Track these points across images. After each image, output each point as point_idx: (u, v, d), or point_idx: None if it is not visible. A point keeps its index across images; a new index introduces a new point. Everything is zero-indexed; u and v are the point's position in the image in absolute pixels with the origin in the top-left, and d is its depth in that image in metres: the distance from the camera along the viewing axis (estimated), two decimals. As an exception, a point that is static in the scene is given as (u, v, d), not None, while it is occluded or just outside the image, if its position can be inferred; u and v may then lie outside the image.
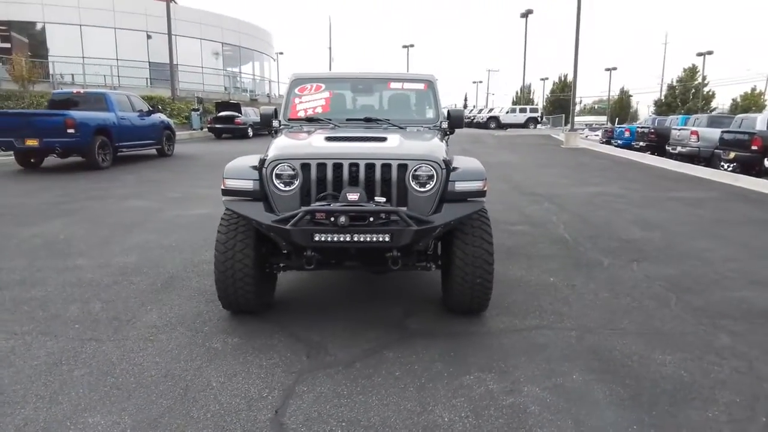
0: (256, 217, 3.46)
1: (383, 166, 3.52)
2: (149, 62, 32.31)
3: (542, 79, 75.90)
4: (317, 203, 3.41)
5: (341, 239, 3.30)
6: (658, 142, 18.95)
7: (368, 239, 3.31)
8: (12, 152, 12.23)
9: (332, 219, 3.28)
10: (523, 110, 39.72)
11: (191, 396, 2.86)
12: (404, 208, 3.47)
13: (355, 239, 3.31)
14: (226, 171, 3.69)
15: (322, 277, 4.81)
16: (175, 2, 38.07)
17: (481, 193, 3.67)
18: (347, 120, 4.64)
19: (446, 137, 4.61)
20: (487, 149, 19.71)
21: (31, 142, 11.37)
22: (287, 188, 3.54)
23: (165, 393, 2.89)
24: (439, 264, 3.99)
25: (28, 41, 29.87)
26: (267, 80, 40.82)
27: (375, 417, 2.68)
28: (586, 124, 61.20)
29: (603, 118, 70.04)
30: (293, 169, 3.53)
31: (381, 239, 3.32)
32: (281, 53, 60.24)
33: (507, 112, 39.84)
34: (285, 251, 3.85)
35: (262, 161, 3.61)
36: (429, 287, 4.51)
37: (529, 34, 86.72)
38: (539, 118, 39.99)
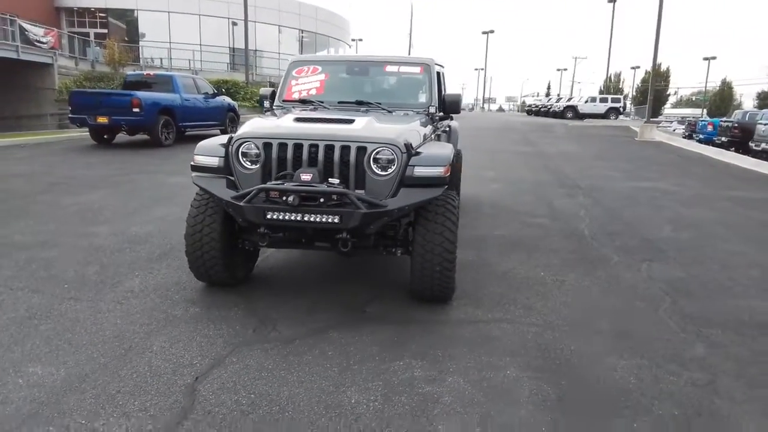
0: (217, 193, 3.59)
1: (342, 148, 3.52)
2: (230, 48, 33.77)
3: (633, 68, 71.32)
4: (274, 182, 3.48)
5: (292, 218, 3.36)
6: (741, 138, 17.34)
7: (318, 219, 3.34)
8: (87, 128, 13.31)
9: (284, 198, 3.34)
10: (603, 100, 37.55)
11: (129, 357, 3.05)
12: (360, 191, 3.48)
13: (306, 219, 3.35)
14: (197, 148, 3.84)
15: (307, 256, 4.89)
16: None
17: (442, 179, 3.57)
18: (339, 102, 4.66)
19: (437, 122, 4.50)
20: (551, 139, 18.92)
21: (102, 120, 12.32)
22: (251, 166, 3.64)
23: (107, 352, 3.09)
24: (410, 250, 3.94)
25: (124, 27, 32.18)
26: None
27: (285, 393, 2.73)
28: (682, 117, 56.99)
29: (699, 111, 64.90)
30: (257, 148, 3.61)
31: (330, 220, 3.34)
32: (360, 40, 60.80)
33: (585, 102, 37.86)
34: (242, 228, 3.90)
35: (230, 139, 3.72)
36: (402, 273, 4.46)
37: (620, 19, 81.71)
38: (621, 109, 37.69)
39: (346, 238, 3.47)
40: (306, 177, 3.40)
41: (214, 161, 3.71)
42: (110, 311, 3.65)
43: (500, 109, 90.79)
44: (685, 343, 3.40)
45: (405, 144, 3.53)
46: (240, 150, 3.64)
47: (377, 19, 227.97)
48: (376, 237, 3.81)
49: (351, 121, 3.80)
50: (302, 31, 36.91)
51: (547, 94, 77.47)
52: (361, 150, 3.51)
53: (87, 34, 30.30)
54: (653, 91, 24.99)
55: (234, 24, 33.24)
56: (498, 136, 19.82)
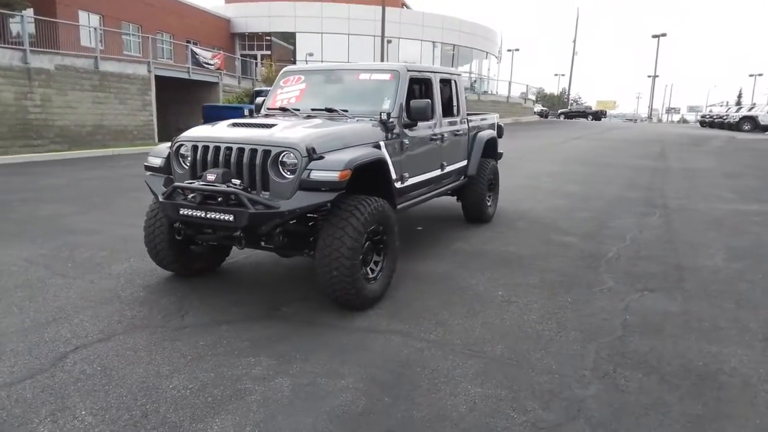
0: (154, 190, 4.03)
1: (251, 151, 3.72)
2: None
3: None
4: (188, 181, 3.81)
5: (197, 215, 3.66)
6: None
7: (217, 217, 3.59)
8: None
9: (189, 196, 3.66)
10: (796, 110, 31.64)
11: (53, 323, 3.58)
12: (266, 193, 3.65)
13: (207, 216, 3.63)
14: (151, 150, 4.33)
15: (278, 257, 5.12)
16: (406, 7, 40.98)
17: (336, 184, 3.57)
18: (312, 110, 4.85)
19: (392, 129, 4.44)
20: (691, 154, 16.64)
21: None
22: (184, 167, 4.02)
23: (40, 317, 3.67)
24: None
25: (284, 48, 35.78)
26: (486, 78, 40.95)
27: (125, 370, 3.01)
28: None
29: None
30: (188, 150, 3.98)
31: (226, 219, 3.57)
32: (517, 50, 59.35)
33: (770, 112, 32.31)
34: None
35: (172, 142, 4.15)
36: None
37: None
38: (822, 121, 31.33)
39: (240, 237, 3.66)
40: (211, 177, 3.67)
41: (157, 161, 4.16)
42: (78, 287, 4.30)
43: (682, 120, 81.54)
44: (571, 385, 2.95)
45: (307, 148, 3.61)
46: (178, 152, 4.04)
47: (541, 27, 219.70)
48: (289, 237, 3.94)
49: (271, 126, 3.98)
50: (443, 44, 37.31)
51: (738, 103, 67.68)
52: (267, 153, 3.68)
53: (255, 56, 34.31)
54: None
55: (389, 41, 34.99)
56: (630, 149, 18.02)
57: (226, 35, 35.06)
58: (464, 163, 6.22)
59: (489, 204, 6.84)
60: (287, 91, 5.17)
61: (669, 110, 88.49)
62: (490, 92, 38.92)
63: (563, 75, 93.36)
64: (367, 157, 3.86)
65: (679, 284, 4.60)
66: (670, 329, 3.67)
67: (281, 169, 3.68)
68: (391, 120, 4.43)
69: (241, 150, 3.75)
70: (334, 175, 3.57)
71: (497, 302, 4.11)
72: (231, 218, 3.54)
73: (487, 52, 41.57)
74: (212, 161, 3.84)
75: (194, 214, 3.66)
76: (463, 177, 6.28)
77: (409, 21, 34.82)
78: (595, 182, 10.47)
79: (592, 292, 4.38)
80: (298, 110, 4.90)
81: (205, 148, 3.88)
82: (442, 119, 5.48)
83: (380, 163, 4.08)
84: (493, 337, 3.51)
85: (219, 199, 3.60)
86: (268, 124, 4.05)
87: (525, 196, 8.73)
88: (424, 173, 5.13)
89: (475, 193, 6.45)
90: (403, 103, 4.67)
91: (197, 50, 24.62)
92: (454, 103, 5.97)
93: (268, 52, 34.87)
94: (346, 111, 4.64)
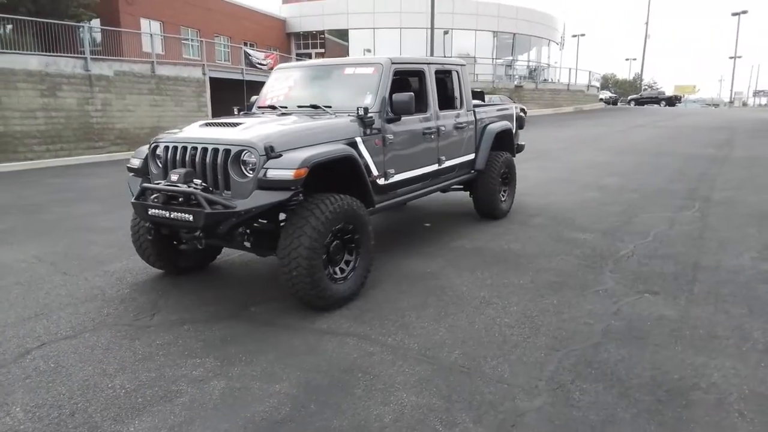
0: (133, 191, 4.11)
1: (213, 151, 3.72)
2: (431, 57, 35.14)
3: None
4: (155, 182, 3.86)
5: (161, 215, 3.70)
6: None
7: (178, 217, 3.62)
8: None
9: (152, 196, 3.72)
10: None
11: (23, 317, 3.74)
12: (228, 192, 3.64)
13: (171, 216, 3.66)
14: (135, 152, 4.43)
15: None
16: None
17: (291, 182, 3.48)
18: (298, 107, 4.80)
19: (371, 124, 4.29)
20: (759, 142, 15.26)
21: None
22: (159, 167, 4.08)
23: (26, 312, 3.85)
24: None
25: (338, 45, 36.08)
26: (546, 66, 39.43)
27: (73, 368, 3.07)
28: None
29: None
30: (161, 151, 4.04)
31: (186, 218, 3.58)
32: (583, 35, 56.78)
33: None
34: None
35: (150, 143, 4.22)
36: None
37: None
38: None
39: (199, 237, 3.66)
40: (174, 177, 3.70)
41: (136, 162, 4.25)
42: (71, 284, 4.47)
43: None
44: (517, 396, 2.72)
45: (265, 146, 3.55)
46: (155, 152, 4.11)
47: (611, 9, 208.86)
48: (261, 236, 3.90)
49: (237, 125, 3.95)
50: (498, 33, 36.26)
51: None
52: (227, 152, 3.66)
53: (309, 55, 34.87)
54: None
55: (445, 33, 34.51)
56: (695, 136, 16.77)
57: (282, 36, 35.84)
58: (471, 156, 5.96)
59: (503, 199, 6.53)
60: (277, 88, 5.14)
61: (756, 93, 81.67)
62: (550, 80, 37.52)
63: (635, 59, 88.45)
64: (330, 154, 3.75)
65: (689, 286, 4.17)
66: (655, 337, 3.32)
67: (243, 169, 3.64)
68: (369, 115, 4.29)
69: (204, 150, 3.75)
70: (288, 174, 3.49)
71: (474, 304, 3.89)
72: (191, 218, 3.55)
73: (549, 40, 40.04)
74: (180, 161, 3.87)
75: (159, 213, 3.71)
76: (471, 171, 6.02)
77: (463, 11, 34.10)
78: (639, 173, 9.79)
79: (584, 294, 4.05)
80: (286, 107, 4.86)
81: (174, 149, 3.91)
82: (438, 112, 5.26)
83: (349, 160, 3.95)
84: (454, 341, 3.31)
85: (180, 199, 3.62)
86: (235, 123, 4.02)
87: (556, 189, 8.30)
88: (416, 169, 4.95)
89: (486, 187, 6.17)
90: (386, 97, 4.51)
91: (250, 51, 25.32)
92: (457, 95, 5.73)
93: (322, 50, 35.32)
94: (330, 107, 4.54)
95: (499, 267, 4.70)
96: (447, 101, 5.62)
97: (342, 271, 3.93)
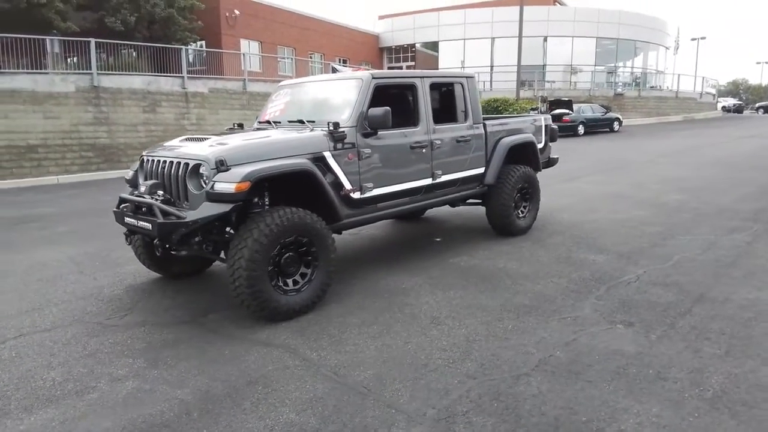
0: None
1: (176, 164, 3.97)
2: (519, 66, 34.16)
3: None
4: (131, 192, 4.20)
5: (132, 222, 4.01)
6: None
7: (142, 225, 3.90)
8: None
9: (121, 206, 4.06)
10: None
11: (24, 309, 4.21)
12: (181, 205, 3.87)
13: (138, 224, 3.96)
14: (131, 165, 4.81)
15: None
16: (560, 4, 38.64)
17: (233, 196, 3.61)
18: (288, 122, 4.96)
19: (342, 138, 4.31)
20: None
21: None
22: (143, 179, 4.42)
23: (31, 299, 4.33)
24: None
25: (429, 57, 36.27)
26: (654, 72, 36.62)
27: (26, 359, 3.42)
28: None
29: None
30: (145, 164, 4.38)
31: (147, 227, 3.85)
32: (703, 38, 52.27)
33: None
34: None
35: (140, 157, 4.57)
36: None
37: None
38: None
39: (156, 245, 3.90)
40: (142, 189, 3.99)
41: (129, 174, 4.61)
42: (80, 283, 4.95)
43: None
44: (397, 424, 2.59)
45: (216, 160, 3.72)
46: (142, 165, 4.46)
47: (741, 11, 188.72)
48: (220, 246, 4.08)
49: (204, 140, 4.16)
50: (599, 38, 34.34)
51: None
52: (186, 166, 3.88)
53: (400, 68, 35.42)
54: None
55: (544, 40, 33.49)
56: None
57: (375, 50, 36.76)
58: (480, 170, 5.75)
59: (522, 215, 6.22)
60: (276, 104, 5.34)
61: None
62: (658, 87, 34.89)
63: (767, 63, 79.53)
64: (278, 168, 3.83)
65: (674, 319, 3.71)
66: (593, 373, 3.00)
67: (201, 182, 3.84)
68: (340, 130, 4.32)
69: (170, 163, 4.02)
70: (230, 187, 3.62)
71: (423, 324, 3.76)
72: (149, 227, 3.81)
73: (658, 45, 37.25)
74: (152, 173, 4.17)
75: (130, 222, 4.02)
76: (479, 185, 5.81)
77: (559, 18, 32.83)
78: (711, 190, 8.82)
79: (548, 320, 3.75)
80: (279, 122, 5.03)
81: (150, 162, 4.23)
82: (433, 126, 5.15)
83: (306, 174, 4.01)
84: (375, 361, 3.23)
85: (143, 209, 3.90)
86: (204, 138, 4.25)
87: (602, 206, 7.72)
88: (401, 183, 4.88)
89: (497, 202, 5.91)
90: (364, 112, 4.51)
91: (337, 66, 26.19)
92: (461, 108, 5.56)
93: (412, 63, 35.70)
94: (313, 121, 4.63)
95: (478, 287, 4.49)
96: (447, 114, 5.49)
97: (296, 283, 3.98)
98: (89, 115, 15.41)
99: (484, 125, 5.78)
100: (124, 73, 16.66)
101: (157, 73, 17.48)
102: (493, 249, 5.65)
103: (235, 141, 4.10)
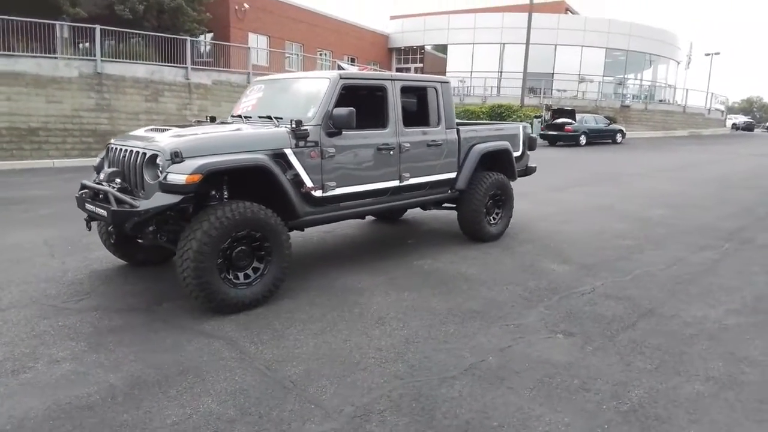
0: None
1: (136, 153, 4.04)
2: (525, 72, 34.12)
3: None
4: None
5: (91, 209, 4.10)
6: None
7: (99, 212, 3.98)
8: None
9: (81, 192, 4.15)
10: None
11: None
12: (138, 194, 3.94)
13: (96, 211, 4.04)
14: (99, 153, 4.89)
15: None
16: (571, 12, 38.52)
17: (184, 187, 3.67)
18: (258, 117, 5.02)
19: (304, 136, 4.36)
20: None
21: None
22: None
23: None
24: None
25: (437, 59, 36.30)
26: (664, 85, 36.42)
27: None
28: None
29: None
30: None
31: (102, 213, 3.93)
32: (717, 53, 51.92)
33: None
34: None
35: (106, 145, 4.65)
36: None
37: None
38: None
39: (110, 232, 3.97)
40: (101, 176, 4.07)
41: (97, 161, 4.69)
42: (48, 266, 5.03)
43: None
44: (312, 419, 2.65)
45: (171, 152, 3.79)
46: (108, 153, 4.53)
47: (757, 27, 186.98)
48: (171, 235, 4.14)
49: (165, 131, 4.23)
50: (608, 49, 34.21)
51: None
52: (143, 155, 3.95)
53: (408, 69, 35.46)
54: None
55: (554, 48, 33.42)
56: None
57: (384, 51, 36.82)
58: (451, 175, 5.78)
59: (494, 222, 6.25)
60: (249, 99, 5.41)
61: None
62: (666, 101, 34.72)
63: (785, 81, 78.83)
64: (232, 162, 3.89)
65: (616, 332, 3.74)
66: (518, 380, 3.04)
67: (158, 172, 3.91)
68: (303, 127, 4.37)
69: (130, 152, 4.09)
70: (181, 178, 3.68)
71: (368, 324, 3.81)
72: (105, 213, 3.89)
73: (669, 58, 37.07)
74: (113, 161, 4.25)
75: (89, 208, 4.10)
76: (450, 190, 5.85)
77: (568, 26, 32.76)
78: (697, 207, 8.81)
79: (490, 326, 3.79)
80: (250, 117, 5.10)
81: (113, 150, 4.31)
82: (402, 128, 5.19)
83: (261, 170, 4.07)
84: (309, 357, 3.29)
85: (101, 196, 3.98)
86: (167, 129, 4.32)
87: (581, 218, 7.73)
88: (366, 184, 4.92)
89: (468, 208, 5.95)
90: (329, 111, 4.57)
91: (344, 65, 26.28)
92: (434, 113, 5.61)
93: (421, 65, 35.74)
94: (281, 118, 4.69)
95: (433, 290, 4.53)
96: (419, 118, 5.53)
97: (247, 277, 4.04)
98: (91, 101, 15.55)
99: (458, 131, 5.82)
100: (127, 61, 16.79)
101: (160, 63, 17.61)
102: (459, 254, 5.69)
103: (195, 133, 4.16)
